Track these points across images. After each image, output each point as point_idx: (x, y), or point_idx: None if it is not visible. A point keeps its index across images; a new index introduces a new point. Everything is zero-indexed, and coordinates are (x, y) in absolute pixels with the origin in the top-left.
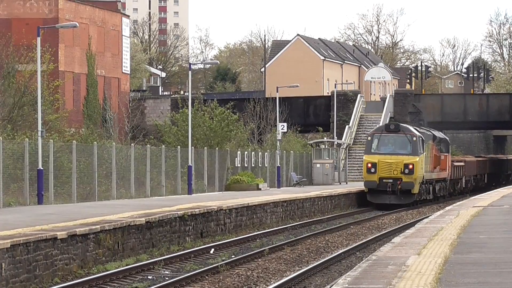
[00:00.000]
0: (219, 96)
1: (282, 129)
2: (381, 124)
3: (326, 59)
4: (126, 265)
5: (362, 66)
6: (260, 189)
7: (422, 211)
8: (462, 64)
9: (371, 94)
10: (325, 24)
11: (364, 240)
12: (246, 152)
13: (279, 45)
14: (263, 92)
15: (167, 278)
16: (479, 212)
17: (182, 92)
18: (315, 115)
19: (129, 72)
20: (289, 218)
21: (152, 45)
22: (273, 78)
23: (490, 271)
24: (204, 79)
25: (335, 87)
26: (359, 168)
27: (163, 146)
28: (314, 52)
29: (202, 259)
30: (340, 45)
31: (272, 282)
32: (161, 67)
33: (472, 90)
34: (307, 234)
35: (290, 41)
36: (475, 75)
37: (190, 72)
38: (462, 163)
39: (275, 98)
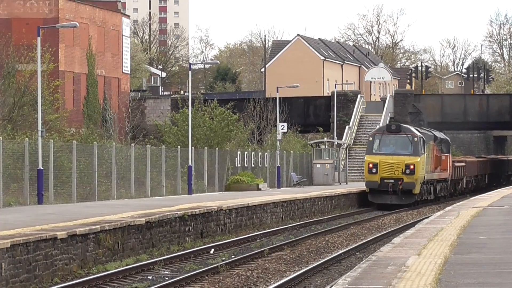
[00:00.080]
0: (219, 96)
1: (282, 129)
2: (381, 124)
3: (326, 59)
4: (126, 265)
5: (362, 66)
6: (260, 189)
7: (422, 211)
8: (462, 65)
9: (371, 94)
10: (325, 24)
11: (364, 241)
12: (246, 152)
13: (279, 45)
14: (263, 92)
15: (167, 278)
16: (479, 212)
17: (182, 92)
18: (315, 115)
19: (129, 72)
20: (289, 218)
21: (152, 45)
22: (273, 78)
23: (490, 271)
24: (204, 79)
25: (335, 87)
26: (359, 168)
27: (163, 146)
28: (314, 52)
29: (202, 259)
30: (340, 45)
31: (272, 282)
32: (161, 67)
33: (472, 90)
34: (307, 235)
35: (290, 41)
36: (475, 75)
37: (190, 72)
38: (463, 164)
39: (275, 98)
